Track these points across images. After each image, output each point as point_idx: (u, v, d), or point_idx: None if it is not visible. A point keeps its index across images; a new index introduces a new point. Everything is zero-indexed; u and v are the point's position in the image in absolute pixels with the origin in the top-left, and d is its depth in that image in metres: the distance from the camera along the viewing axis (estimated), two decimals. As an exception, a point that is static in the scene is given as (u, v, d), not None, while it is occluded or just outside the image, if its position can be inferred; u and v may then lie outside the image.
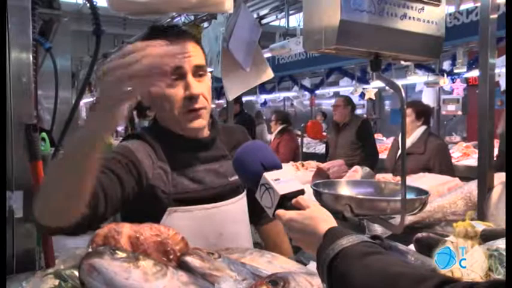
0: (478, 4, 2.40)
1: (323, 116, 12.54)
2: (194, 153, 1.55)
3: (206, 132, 1.58)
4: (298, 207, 1.15)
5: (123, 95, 0.97)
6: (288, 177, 1.20)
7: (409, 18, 1.48)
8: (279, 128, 6.56)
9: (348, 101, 5.70)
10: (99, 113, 1.01)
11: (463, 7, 4.92)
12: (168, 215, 1.46)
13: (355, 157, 5.30)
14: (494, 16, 2.17)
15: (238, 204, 1.62)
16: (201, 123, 1.51)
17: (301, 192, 1.19)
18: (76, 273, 1.08)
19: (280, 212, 1.16)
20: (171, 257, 1.18)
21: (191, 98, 1.46)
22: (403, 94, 1.44)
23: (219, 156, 1.57)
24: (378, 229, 2.15)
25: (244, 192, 1.63)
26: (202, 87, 1.49)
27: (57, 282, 1.12)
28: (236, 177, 1.52)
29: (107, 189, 1.29)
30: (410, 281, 0.84)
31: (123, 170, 1.38)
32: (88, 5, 1.61)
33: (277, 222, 1.81)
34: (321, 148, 8.83)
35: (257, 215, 1.74)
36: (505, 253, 1.38)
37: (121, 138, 1.63)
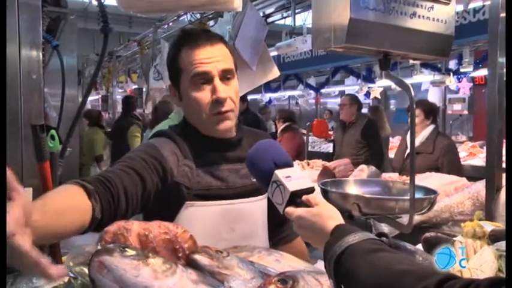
0: (487, 3, 2.39)
1: (330, 114, 12.53)
2: (220, 152, 1.58)
3: (233, 133, 1.61)
4: (308, 205, 1.16)
5: None
6: (299, 175, 1.22)
7: (419, 16, 1.47)
8: (282, 126, 6.55)
9: (353, 99, 5.66)
10: None
11: (471, 6, 4.90)
12: (184, 209, 1.49)
13: (360, 156, 5.27)
14: (503, 15, 2.16)
15: (256, 204, 1.61)
16: (228, 125, 1.54)
17: (311, 189, 1.20)
18: (86, 270, 1.08)
19: (290, 209, 1.18)
20: (180, 255, 1.18)
21: (218, 102, 1.49)
22: (413, 93, 1.44)
23: (243, 157, 1.55)
24: (384, 228, 2.14)
25: (265, 195, 1.61)
26: (229, 90, 1.52)
27: (66, 279, 1.12)
28: None
29: (128, 190, 1.34)
30: (414, 278, 0.85)
31: (148, 169, 1.42)
32: (95, 3, 1.61)
33: (296, 243, 1.80)
34: (326, 147, 8.82)
35: (274, 236, 1.75)
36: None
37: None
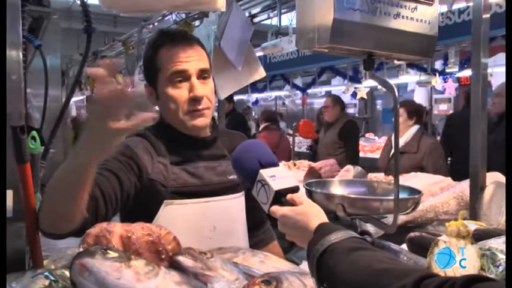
0: (470, 4, 2.40)
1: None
2: (195, 150, 1.60)
3: (207, 132, 1.64)
4: (293, 204, 1.17)
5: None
6: (283, 174, 1.23)
7: (403, 17, 1.48)
8: (262, 126, 6.63)
9: (336, 100, 5.76)
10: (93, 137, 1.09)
11: (455, 6, 4.93)
12: (164, 207, 1.50)
13: (336, 156, 5.20)
14: (486, 16, 2.18)
15: (234, 202, 1.64)
16: (204, 121, 1.57)
17: (296, 188, 1.22)
18: (67, 273, 1.07)
19: (274, 208, 1.19)
20: (163, 256, 1.17)
21: (195, 100, 1.53)
22: (396, 93, 1.44)
23: (218, 155, 1.61)
24: (370, 229, 2.15)
25: (243, 192, 1.65)
26: (205, 89, 1.56)
27: (47, 282, 1.10)
28: (235, 176, 1.59)
29: (105, 192, 1.36)
30: (393, 276, 0.87)
31: (123, 168, 1.45)
32: (78, 2, 1.59)
33: (272, 247, 1.79)
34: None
35: (253, 239, 1.76)
36: (497, 253, 1.39)
37: None
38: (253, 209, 1.26)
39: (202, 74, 1.56)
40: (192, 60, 1.54)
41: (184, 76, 1.53)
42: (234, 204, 1.64)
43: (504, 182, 2.40)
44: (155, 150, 1.55)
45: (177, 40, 1.56)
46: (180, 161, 1.56)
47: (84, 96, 10.56)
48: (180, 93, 1.53)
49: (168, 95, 1.54)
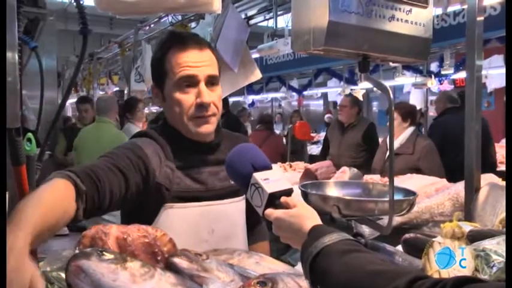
0: (465, 6, 2.41)
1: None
2: (199, 155, 1.59)
3: (212, 137, 1.62)
4: (286, 206, 1.18)
5: None
6: (277, 177, 1.23)
7: (397, 19, 1.48)
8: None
9: (355, 101, 5.51)
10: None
11: (450, 9, 4.95)
12: (164, 210, 1.50)
13: (359, 159, 5.15)
14: (480, 18, 2.19)
15: (234, 206, 1.63)
16: (209, 128, 1.56)
17: (290, 190, 1.22)
18: (63, 275, 1.07)
19: (268, 211, 1.19)
20: (159, 258, 1.18)
21: (202, 106, 1.51)
22: (391, 96, 1.45)
23: (222, 160, 1.55)
24: (366, 230, 2.15)
25: (243, 197, 1.63)
26: (213, 95, 1.54)
27: (43, 284, 1.10)
28: None
29: (114, 191, 1.35)
30: (385, 278, 0.88)
31: (133, 169, 1.44)
32: (74, 4, 1.59)
33: (260, 246, 1.80)
34: (308, 149, 8.83)
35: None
36: (491, 253, 1.40)
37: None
38: (252, 211, 1.26)
39: (211, 80, 1.54)
40: (202, 65, 1.52)
41: (192, 81, 1.51)
42: (233, 208, 1.64)
43: (498, 183, 2.41)
44: (164, 153, 1.54)
45: (188, 43, 1.53)
46: (184, 166, 1.55)
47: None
48: (187, 98, 1.51)
49: (175, 98, 1.52)
